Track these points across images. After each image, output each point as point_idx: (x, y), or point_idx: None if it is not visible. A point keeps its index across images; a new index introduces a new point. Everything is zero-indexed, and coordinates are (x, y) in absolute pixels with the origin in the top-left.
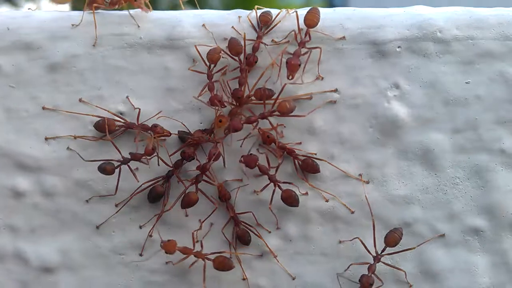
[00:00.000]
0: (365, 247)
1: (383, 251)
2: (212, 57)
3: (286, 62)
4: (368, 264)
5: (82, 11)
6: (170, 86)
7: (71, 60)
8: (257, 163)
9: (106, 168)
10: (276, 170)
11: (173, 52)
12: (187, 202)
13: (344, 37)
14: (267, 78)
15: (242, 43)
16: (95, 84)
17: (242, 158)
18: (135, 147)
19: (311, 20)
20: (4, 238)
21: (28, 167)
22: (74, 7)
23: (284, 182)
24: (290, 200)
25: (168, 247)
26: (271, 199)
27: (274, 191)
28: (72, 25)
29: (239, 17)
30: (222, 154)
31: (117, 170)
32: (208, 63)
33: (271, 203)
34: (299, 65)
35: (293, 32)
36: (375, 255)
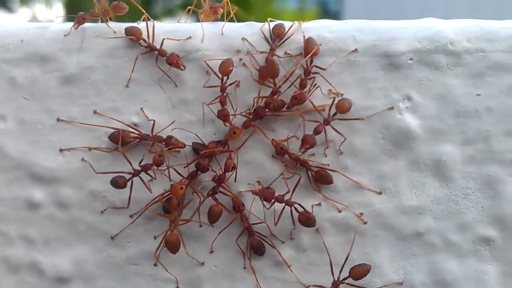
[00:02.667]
0: (332, 270)
1: (345, 279)
2: (225, 69)
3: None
4: None
5: (99, 23)
6: (184, 98)
7: (86, 72)
8: (274, 195)
9: (118, 182)
10: (292, 193)
11: (187, 64)
12: (214, 215)
13: (356, 49)
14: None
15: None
16: (109, 96)
17: (258, 192)
18: (146, 158)
19: (312, 49)
20: (20, 249)
21: (43, 179)
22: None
23: (298, 204)
24: (309, 222)
25: (176, 189)
26: (293, 221)
27: (291, 212)
28: (65, 35)
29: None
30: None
31: (129, 183)
32: (221, 76)
33: (294, 224)
34: (304, 100)
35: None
36: (336, 279)
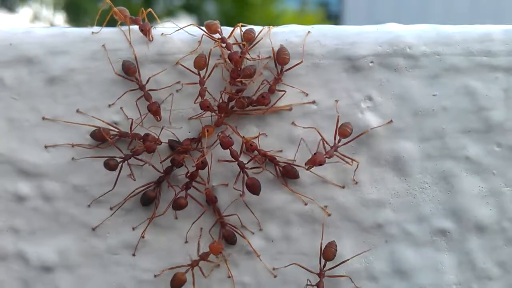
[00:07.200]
0: (306, 269)
1: (324, 266)
2: (199, 64)
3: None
4: (315, 285)
5: (87, 27)
6: (160, 98)
7: (69, 73)
8: (231, 147)
9: (109, 163)
10: (240, 154)
11: (163, 67)
12: (177, 206)
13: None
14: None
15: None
16: (91, 96)
17: (220, 138)
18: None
19: (283, 58)
20: (7, 239)
21: (29, 173)
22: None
23: (252, 168)
24: (253, 187)
25: (215, 249)
26: (243, 188)
27: (243, 178)
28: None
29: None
30: (210, 162)
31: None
32: (197, 71)
33: (243, 192)
34: (269, 102)
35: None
36: (319, 272)
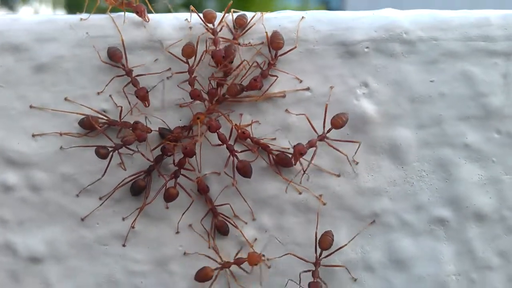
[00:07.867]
0: (301, 258)
1: (320, 255)
2: (187, 52)
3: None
4: (311, 271)
5: (76, 14)
6: (150, 85)
7: (57, 61)
8: (218, 131)
9: (100, 151)
10: (235, 142)
11: (153, 53)
12: (168, 197)
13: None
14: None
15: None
16: (80, 84)
17: (207, 122)
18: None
19: (277, 43)
20: None
21: (17, 163)
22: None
23: (242, 151)
24: (244, 170)
25: (253, 259)
26: (233, 173)
27: (233, 161)
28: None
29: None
30: (199, 150)
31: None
32: (185, 60)
33: (234, 178)
34: (262, 85)
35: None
36: (315, 261)
